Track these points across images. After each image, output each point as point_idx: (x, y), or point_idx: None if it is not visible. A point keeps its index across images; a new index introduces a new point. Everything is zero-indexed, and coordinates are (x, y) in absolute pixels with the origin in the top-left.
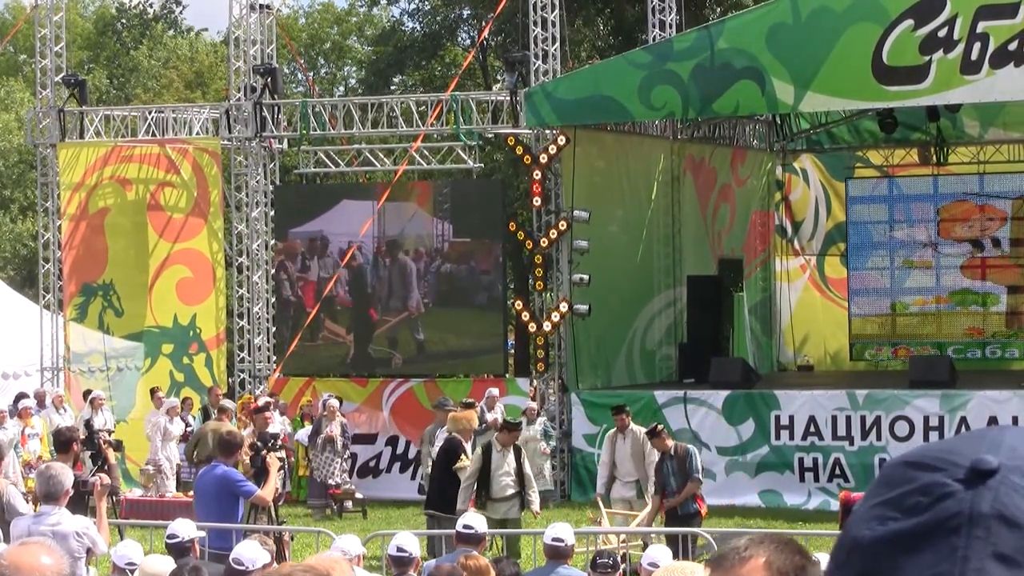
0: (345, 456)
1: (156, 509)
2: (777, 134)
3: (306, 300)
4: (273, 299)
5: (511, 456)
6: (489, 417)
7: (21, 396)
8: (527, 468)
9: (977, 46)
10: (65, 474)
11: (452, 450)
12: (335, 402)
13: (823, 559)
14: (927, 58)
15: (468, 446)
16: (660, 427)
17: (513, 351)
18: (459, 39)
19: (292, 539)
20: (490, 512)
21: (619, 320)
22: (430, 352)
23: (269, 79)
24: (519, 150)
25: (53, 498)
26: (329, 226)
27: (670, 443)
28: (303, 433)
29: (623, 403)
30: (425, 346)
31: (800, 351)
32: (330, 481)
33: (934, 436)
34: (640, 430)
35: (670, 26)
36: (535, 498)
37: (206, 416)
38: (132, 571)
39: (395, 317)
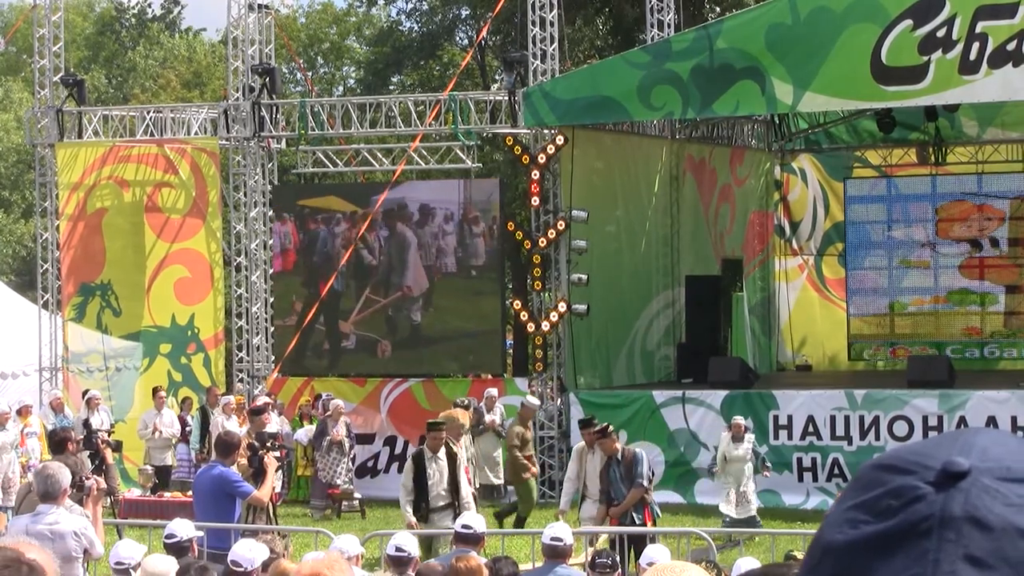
0: (351, 456)
1: (154, 509)
2: (775, 134)
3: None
4: (272, 299)
5: (444, 463)
6: (488, 418)
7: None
8: (461, 477)
9: (976, 46)
10: (63, 473)
11: None
12: (340, 402)
13: None
14: (926, 58)
15: (456, 445)
16: (609, 427)
17: (512, 351)
18: (457, 39)
19: (285, 538)
20: (428, 526)
21: (620, 320)
22: (424, 336)
23: (267, 79)
24: (517, 150)
25: (51, 497)
26: (412, 192)
27: (618, 446)
28: (302, 433)
29: (591, 416)
30: (420, 329)
31: (798, 351)
32: (337, 481)
33: (933, 435)
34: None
35: (669, 26)
36: (470, 511)
37: (204, 416)
38: (132, 571)
39: (387, 297)
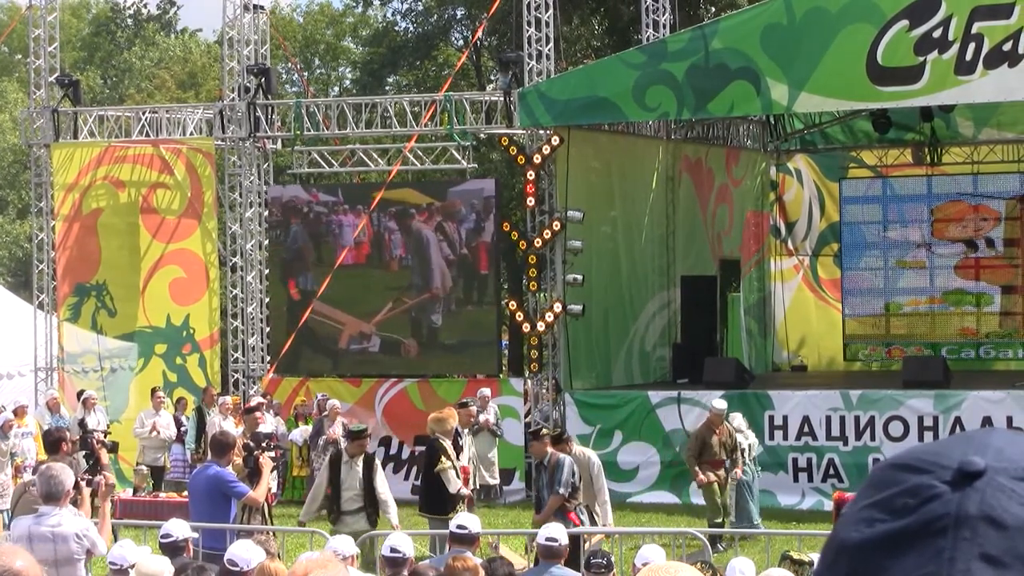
0: None
1: (149, 509)
2: (771, 134)
3: (480, 262)
4: (267, 299)
5: (359, 469)
6: (482, 418)
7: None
8: (379, 482)
9: (972, 47)
10: (66, 474)
11: (432, 452)
12: (336, 402)
13: (816, 559)
14: (921, 59)
15: (450, 446)
16: (543, 431)
17: (507, 351)
18: (452, 39)
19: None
20: (339, 527)
21: (618, 320)
22: (446, 342)
23: (263, 79)
24: (513, 150)
25: (54, 498)
26: (490, 184)
27: (548, 450)
28: (297, 433)
29: (538, 429)
30: (439, 335)
31: (793, 351)
32: None
33: (928, 436)
34: (583, 451)
35: (664, 26)
36: (391, 515)
37: (200, 416)
38: (129, 571)
39: (413, 299)
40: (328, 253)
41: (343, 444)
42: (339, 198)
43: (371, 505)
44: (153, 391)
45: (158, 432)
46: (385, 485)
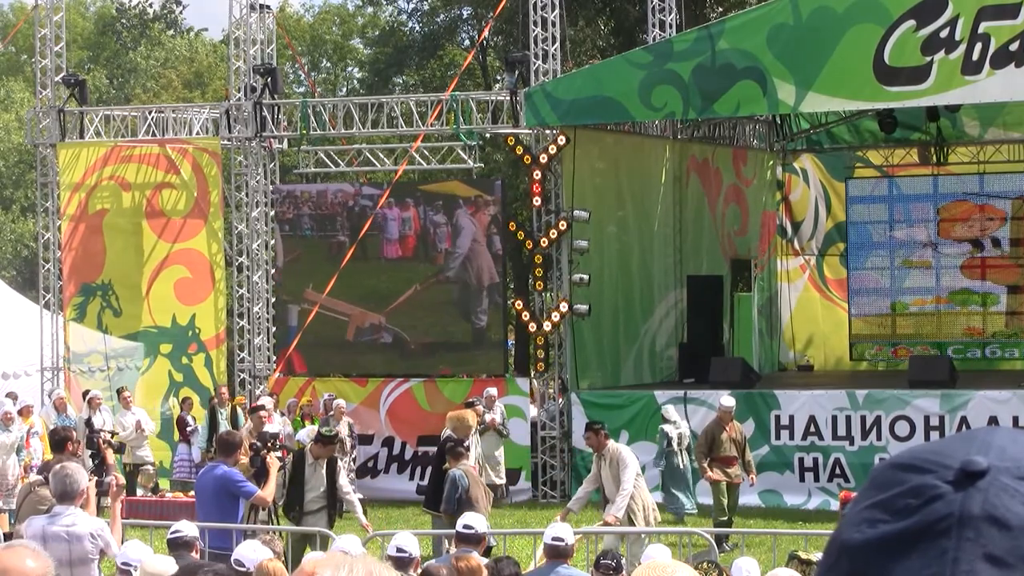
0: (353, 456)
1: (156, 509)
2: (777, 134)
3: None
4: (273, 299)
5: (323, 471)
6: (488, 417)
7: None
8: (341, 484)
9: (978, 47)
10: (81, 474)
11: (445, 450)
12: (342, 402)
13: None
14: (928, 59)
15: (465, 445)
16: (452, 445)
17: (513, 351)
18: (459, 39)
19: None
20: (301, 526)
21: (628, 320)
22: (488, 340)
23: (269, 79)
24: (519, 150)
25: (69, 498)
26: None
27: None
28: (304, 433)
29: (597, 421)
30: (487, 334)
31: (800, 351)
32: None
33: (935, 436)
34: (616, 448)
35: (670, 26)
36: (359, 514)
37: (213, 416)
38: (135, 571)
39: (428, 286)
40: (373, 247)
41: (308, 445)
42: (383, 191)
43: (332, 506)
44: (119, 391)
45: (143, 430)
46: (349, 486)
